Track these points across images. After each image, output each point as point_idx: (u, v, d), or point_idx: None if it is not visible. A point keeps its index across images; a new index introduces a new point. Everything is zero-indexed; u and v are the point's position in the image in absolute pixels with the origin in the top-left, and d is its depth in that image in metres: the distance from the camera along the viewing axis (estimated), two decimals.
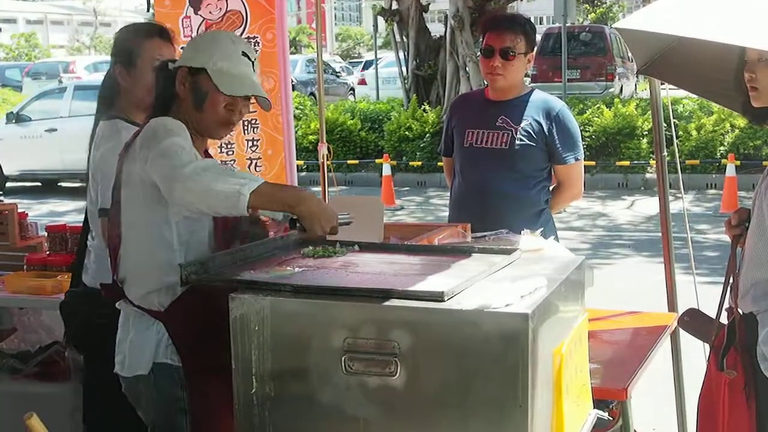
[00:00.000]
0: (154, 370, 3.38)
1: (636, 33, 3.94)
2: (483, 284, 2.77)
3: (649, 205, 15.41)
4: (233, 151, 6.26)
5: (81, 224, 4.56)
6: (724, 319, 4.05)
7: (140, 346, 3.40)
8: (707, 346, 4.37)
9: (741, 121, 17.45)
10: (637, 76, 26.53)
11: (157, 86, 3.61)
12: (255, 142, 6.28)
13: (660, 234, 5.48)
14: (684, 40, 3.90)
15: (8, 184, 19.45)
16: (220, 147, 6.11)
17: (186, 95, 3.47)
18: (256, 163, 6.30)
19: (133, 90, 4.20)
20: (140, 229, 3.38)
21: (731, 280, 3.98)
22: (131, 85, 4.20)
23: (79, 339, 4.34)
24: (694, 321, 4.30)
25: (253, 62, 3.55)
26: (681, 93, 17.83)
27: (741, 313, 3.85)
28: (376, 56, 30.84)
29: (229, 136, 5.85)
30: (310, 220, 3.12)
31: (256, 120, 6.26)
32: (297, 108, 20.52)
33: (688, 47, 3.93)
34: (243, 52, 3.52)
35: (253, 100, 3.56)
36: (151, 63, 4.10)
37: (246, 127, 6.22)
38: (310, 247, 3.29)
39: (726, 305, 4.04)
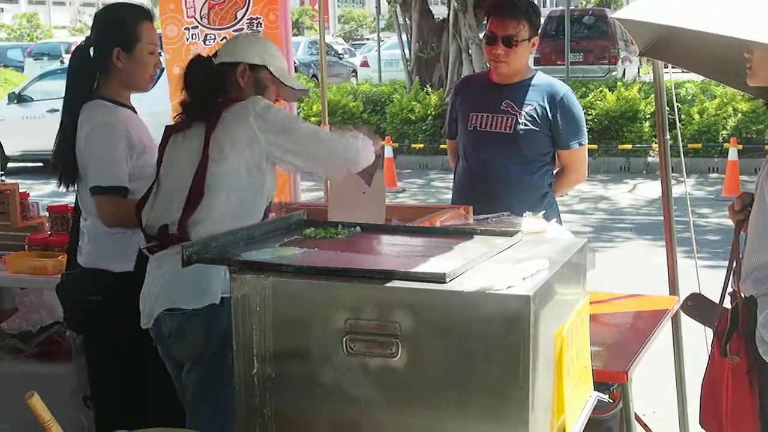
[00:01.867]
0: (219, 303, 3.68)
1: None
2: (485, 266, 2.76)
3: (651, 189, 15.41)
4: None
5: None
6: (727, 304, 4.05)
7: (207, 278, 3.67)
8: (708, 329, 4.37)
9: (743, 105, 17.43)
10: (639, 60, 26.51)
11: (197, 81, 3.90)
12: None
13: (662, 217, 5.47)
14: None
15: (10, 165, 19.43)
16: None
17: (248, 88, 3.94)
18: None
19: (132, 72, 4.23)
20: (236, 183, 3.73)
21: (734, 265, 3.98)
22: (129, 68, 4.22)
23: (75, 320, 4.35)
24: (697, 306, 4.30)
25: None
26: (684, 76, 17.87)
27: (743, 297, 3.84)
28: (378, 38, 30.78)
29: None
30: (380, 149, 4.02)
31: None
32: None
33: (690, 28, 3.92)
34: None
35: None
36: (148, 49, 4.28)
37: None
38: (312, 228, 3.29)
39: (729, 290, 4.04)
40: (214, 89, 3.91)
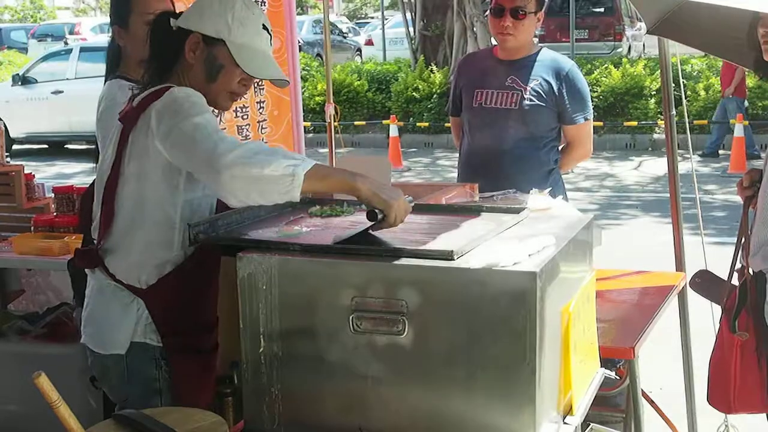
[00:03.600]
0: (131, 350, 3.22)
1: None
2: (491, 243, 2.76)
3: (657, 166, 15.40)
4: (247, 115, 6.21)
5: (88, 186, 4.56)
6: (735, 281, 4.05)
7: (118, 323, 3.23)
8: (715, 305, 4.37)
9: (750, 82, 17.38)
10: (645, 35, 26.41)
11: (154, 44, 3.30)
12: (261, 104, 6.26)
13: (668, 194, 5.47)
14: None
15: (15, 147, 19.44)
16: (235, 111, 6.07)
17: (198, 64, 3.20)
18: (261, 125, 6.27)
19: (132, 48, 4.17)
20: (144, 204, 3.15)
21: (743, 241, 3.98)
22: (129, 44, 4.17)
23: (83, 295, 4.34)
24: (706, 282, 4.30)
25: (270, 34, 3.32)
26: (689, 52, 17.79)
27: (752, 273, 3.84)
28: (383, 17, 30.69)
29: (243, 99, 5.83)
30: (379, 199, 2.87)
31: (261, 81, 6.23)
32: (303, 69, 20.48)
33: (698, 5, 3.91)
34: (263, 25, 3.28)
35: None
36: (144, 19, 4.00)
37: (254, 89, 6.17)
38: (317, 207, 3.28)
39: (737, 266, 4.04)
40: (160, 64, 3.27)
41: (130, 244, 3.20)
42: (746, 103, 16.72)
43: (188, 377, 3.25)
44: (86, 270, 3.38)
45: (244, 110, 6.17)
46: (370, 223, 2.89)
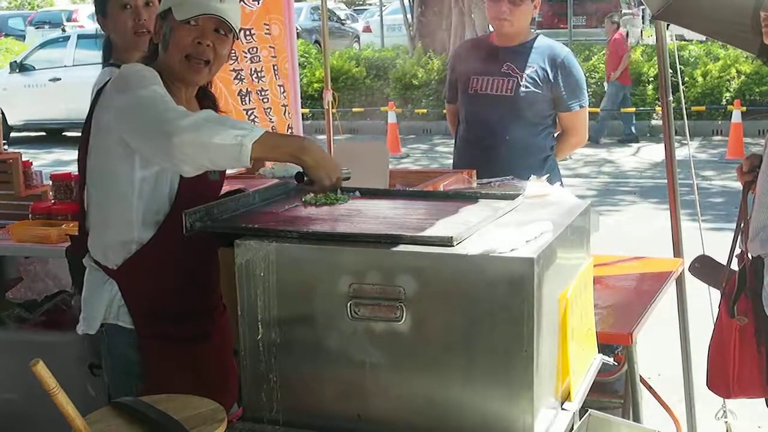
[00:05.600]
0: (106, 331, 3.27)
1: None
2: (488, 229, 2.76)
3: (655, 152, 15.41)
4: (268, 99, 6.22)
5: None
6: (735, 266, 4.06)
7: (93, 303, 3.28)
8: (712, 291, 4.38)
9: (747, 67, 17.40)
10: (643, 22, 26.40)
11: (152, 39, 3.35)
12: (264, 93, 6.26)
13: (665, 180, 5.48)
14: None
15: (13, 134, 19.45)
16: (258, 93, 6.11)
17: (160, 43, 3.24)
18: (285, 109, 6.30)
19: (115, 35, 4.14)
20: (103, 181, 3.21)
21: (742, 226, 3.99)
22: (111, 31, 4.15)
23: (80, 282, 4.34)
24: (705, 268, 4.31)
25: None
26: (687, 38, 17.78)
27: (750, 257, 3.85)
28: (381, 3, 30.67)
29: (261, 82, 5.84)
30: (317, 169, 2.97)
31: (261, 69, 6.22)
32: (302, 56, 20.46)
33: None
34: None
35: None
36: (120, 3, 4.03)
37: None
38: (311, 195, 3.27)
39: (737, 251, 4.05)
40: (149, 54, 3.33)
41: (99, 222, 3.27)
42: (629, 90, 17.06)
43: (159, 366, 3.25)
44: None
45: (263, 93, 6.20)
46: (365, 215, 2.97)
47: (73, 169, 4.89)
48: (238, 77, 6.02)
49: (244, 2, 5.91)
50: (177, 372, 3.24)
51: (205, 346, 3.35)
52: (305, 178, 3.03)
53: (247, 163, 2.89)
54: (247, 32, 6.02)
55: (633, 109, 17.74)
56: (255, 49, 6.12)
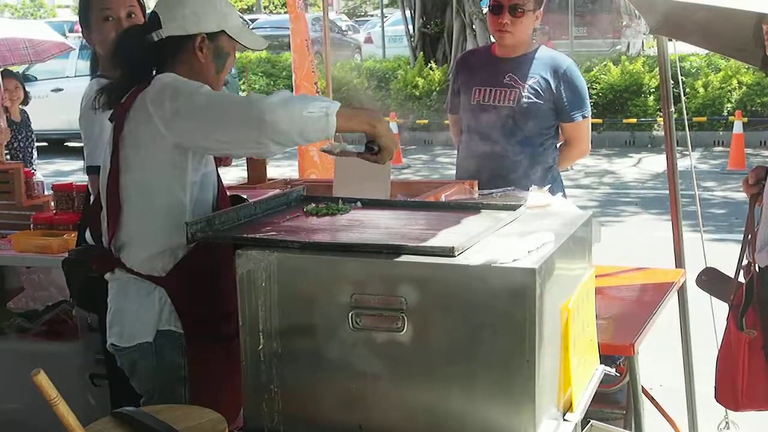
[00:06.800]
0: (156, 338, 3.28)
1: None
2: (490, 240, 2.76)
3: (656, 163, 15.40)
4: None
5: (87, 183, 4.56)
6: (742, 279, 4.06)
7: (142, 314, 3.29)
8: (715, 302, 4.38)
9: (748, 78, 17.40)
10: (644, 33, 26.43)
11: (129, 57, 3.36)
12: None
13: (667, 191, 5.47)
14: None
15: None
16: None
17: (208, 61, 3.33)
18: None
19: (99, 47, 4.13)
20: (146, 193, 3.23)
21: (749, 237, 3.99)
22: (96, 44, 4.15)
23: (79, 295, 4.33)
24: (712, 280, 4.31)
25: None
26: (688, 50, 17.80)
27: (758, 269, 3.85)
28: (382, 14, 30.69)
29: None
30: (388, 138, 3.16)
31: None
32: None
33: (701, 4, 3.91)
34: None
35: None
36: (101, 15, 4.05)
37: None
38: (313, 205, 3.27)
39: (744, 263, 4.05)
40: (136, 75, 3.33)
41: (142, 235, 3.27)
42: None
43: (210, 365, 3.29)
44: (105, 275, 3.41)
45: None
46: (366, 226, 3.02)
47: (75, 179, 4.89)
48: None
49: None
50: (224, 372, 3.25)
51: (235, 343, 3.37)
52: (374, 147, 3.19)
53: (332, 133, 3.04)
54: None
55: (634, 120, 17.76)
56: None
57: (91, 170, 4.08)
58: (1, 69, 9.14)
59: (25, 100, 9.47)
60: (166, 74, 3.24)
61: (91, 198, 4.24)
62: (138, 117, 3.19)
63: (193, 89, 3.14)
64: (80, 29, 4.22)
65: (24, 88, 9.53)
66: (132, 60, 3.34)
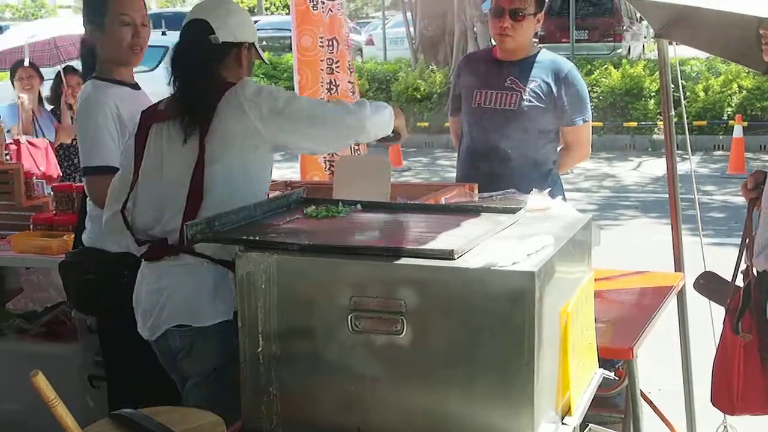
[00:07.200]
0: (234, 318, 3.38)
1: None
2: (489, 243, 2.76)
3: (656, 166, 15.41)
4: None
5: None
6: (740, 283, 4.06)
7: (219, 295, 3.47)
8: (714, 306, 4.38)
9: (748, 83, 17.41)
10: (645, 37, 26.45)
11: (201, 56, 3.59)
12: None
13: (667, 195, 5.47)
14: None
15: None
16: None
17: (244, 68, 3.67)
18: None
19: (107, 46, 4.18)
20: (236, 182, 3.47)
21: (747, 242, 3.99)
22: (104, 44, 4.18)
23: (76, 298, 4.33)
24: (710, 284, 4.31)
25: None
26: (689, 54, 17.82)
27: (755, 273, 3.85)
28: (383, 16, 30.68)
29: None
30: (403, 128, 3.87)
31: None
32: None
33: (706, 8, 3.91)
34: None
35: None
36: (120, 20, 4.14)
37: None
38: (313, 207, 3.27)
39: (742, 267, 4.05)
40: (217, 74, 3.60)
41: None
42: None
43: None
44: (161, 259, 3.56)
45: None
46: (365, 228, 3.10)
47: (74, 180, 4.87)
48: None
49: None
50: None
51: None
52: (392, 134, 3.79)
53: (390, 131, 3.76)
54: None
55: (635, 124, 17.77)
56: None
57: (88, 171, 4.08)
58: (63, 65, 9.08)
59: None
60: (248, 79, 3.60)
61: (88, 200, 4.25)
62: (228, 113, 3.47)
63: (290, 94, 3.59)
64: (88, 30, 4.22)
65: None
66: (202, 60, 3.58)
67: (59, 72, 8.74)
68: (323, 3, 6.35)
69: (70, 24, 10.50)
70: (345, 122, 3.53)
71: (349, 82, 6.43)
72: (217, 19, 3.60)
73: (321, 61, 6.33)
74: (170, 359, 3.66)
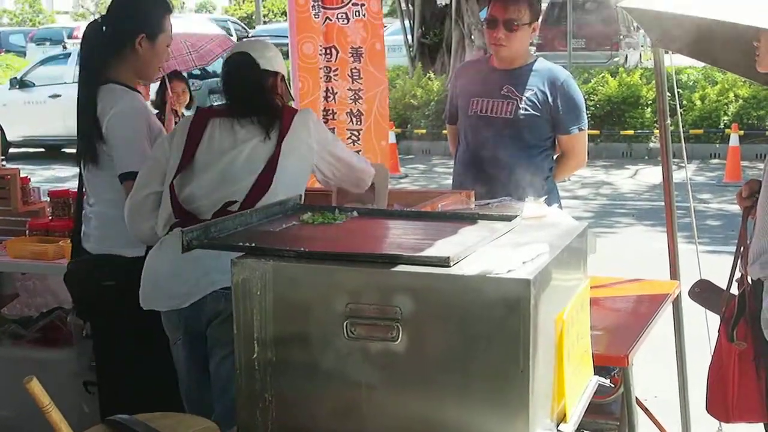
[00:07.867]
0: None
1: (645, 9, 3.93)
2: (485, 250, 2.76)
3: (653, 175, 15.40)
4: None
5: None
6: (734, 291, 4.06)
7: None
8: (709, 314, 4.38)
9: (745, 91, 17.44)
10: (642, 45, 26.49)
11: (251, 73, 4.03)
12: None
13: (663, 203, 5.48)
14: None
15: (11, 150, 19.44)
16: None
17: (279, 96, 4.11)
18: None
19: (149, 60, 4.32)
20: (290, 190, 3.73)
21: (741, 250, 3.99)
22: (148, 56, 4.27)
23: (89, 306, 4.33)
24: (705, 292, 4.31)
25: None
26: (685, 62, 17.83)
27: (750, 281, 3.85)
28: (381, 24, 30.73)
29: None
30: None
31: None
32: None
33: (703, 18, 3.91)
34: None
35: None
36: (168, 38, 4.36)
37: None
38: (309, 213, 3.27)
39: (737, 276, 4.05)
40: (266, 89, 4.07)
41: None
42: None
43: None
44: None
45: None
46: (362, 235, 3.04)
47: (71, 185, 4.88)
48: None
49: None
50: None
51: None
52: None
53: None
54: None
55: (631, 132, 17.79)
56: None
57: (127, 177, 4.07)
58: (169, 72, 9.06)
59: (189, 104, 9.36)
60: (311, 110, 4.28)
61: (94, 206, 4.25)
62: (300, 128, 3.95)
63: (334, 136, 4.49)
64: (139, 38, 4.28)
65: (190, 91, 9.46)
66: (252, 75, 4.04)
67: (164, 78, 8.78)
68: (323, 11, 6.33)
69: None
70: (361, 173, 4.22)
71: (349, 89, 6.40)
72: (256, 51, 4.12)
73: (319, 69, 6.32)
74: (197, 329, 3.81)
